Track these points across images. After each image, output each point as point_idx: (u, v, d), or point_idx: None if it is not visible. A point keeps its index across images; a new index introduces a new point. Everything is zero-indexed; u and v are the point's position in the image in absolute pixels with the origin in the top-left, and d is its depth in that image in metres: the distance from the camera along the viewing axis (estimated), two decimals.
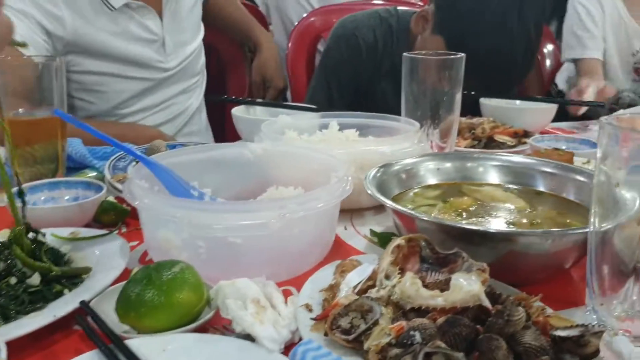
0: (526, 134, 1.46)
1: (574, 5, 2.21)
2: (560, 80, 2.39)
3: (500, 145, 1.41)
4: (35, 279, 0.74)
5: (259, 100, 1.79)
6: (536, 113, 1.63)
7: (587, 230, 0.67)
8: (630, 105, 2.16)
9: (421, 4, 2.75)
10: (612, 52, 2.18)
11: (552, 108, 1.62)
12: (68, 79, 1.55)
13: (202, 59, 1.86)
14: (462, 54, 1.19)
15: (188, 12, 1.74)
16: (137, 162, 1.00)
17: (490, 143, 1.42)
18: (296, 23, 2.36)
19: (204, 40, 1.87)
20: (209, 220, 0.72)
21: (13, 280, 0.74)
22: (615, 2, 2.16)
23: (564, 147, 1.32)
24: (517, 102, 1.69)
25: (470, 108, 1.69)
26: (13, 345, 0.63)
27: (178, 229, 0.74)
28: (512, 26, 1.46)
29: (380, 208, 1.05)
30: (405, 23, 1.75)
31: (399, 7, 1.86)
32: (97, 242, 0.87)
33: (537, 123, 1.60)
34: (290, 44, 2.29)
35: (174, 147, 1.31)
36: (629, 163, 0.62)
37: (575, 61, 2.20)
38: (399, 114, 1.24)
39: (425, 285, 0.65)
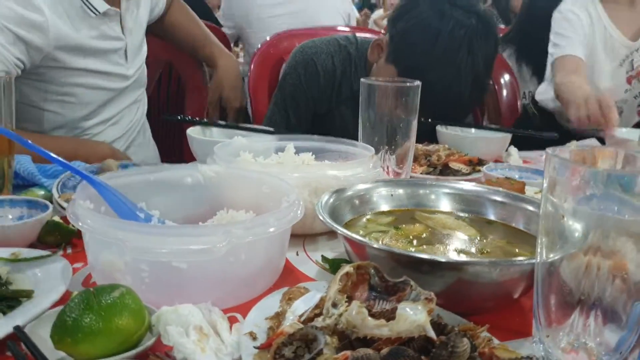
0: (480, 162, 1.47)
1: (559, 15, 2.14)
2: (545, 99, 2.33)
3: (455, 173, 1.42)
4: None
5: (216, 121, 1.78)
6: (490, 142, 1.65)
7: (533, 261, 0.67)
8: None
9: (384, 32, 2.79)
10: (600, 65, 2.13)
11: (506, 137, 1.65)
12: (40, 90, 1.54)
13: (146, 71, 1.86)
14: (418, 82, 1.21)
15: (142, 20, 1.75)
16: None
17: (445, 170, 1.43)
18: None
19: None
20: (152, 244, 0.70)
21: None
22: (600, 15, 2.11)
23: (516, 177, 1.34)
24: (473, 130, 1.71)
25: (428, 135, 1.71)
26: None
27: (121, 252, 0.72)
28: (461, 61, 1.49)
29: (333, 233, 1.04)
30: (364, 50, 1.78)
31: (359, 35, 1.88)
32: (39, 264, 0.84)
33: (492, 151, 1.63)
34: (252, 67, 2.29)
35: (126, 166, 1.28)
36: (575, 194, 0.62)
37: (555, 60, 2.08)
38: (357, 139, 1.25)
39: (372, 315, 0.64)
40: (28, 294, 0.76)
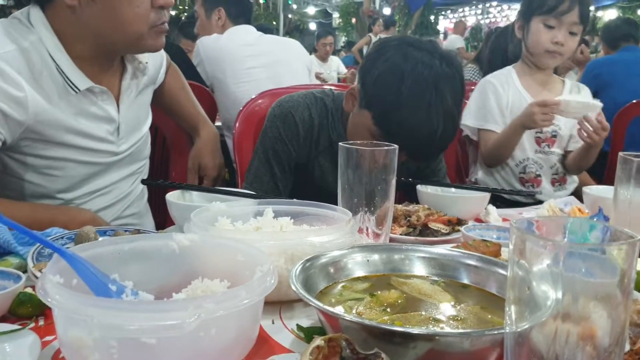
0: (459, 222, 1.48)
1: (482, 86, 2.43)
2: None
3: (435, 233, 1.43)
4: None
5: (196, 185, 1.79)
6: (469, 201, 1.66)
7: (503, 331, 0.68)
8: (537, 176, 2.33)
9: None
10: None
11: (485, 196, 1.66)
12: (22, 162, 1.53)
13: (149, 145, 1.86)
14: (396, 146, 1.23)
15: (142, 98, 1.76)
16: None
17: (424, 230, 1.44)
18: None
19: (152, 122, 1.88)
20: (121, 320, 0.70)
21: None
22: (518, 89, 2.38)
23: (494, 237, 1.35)
24: (452, 189, 1.73)
25: (410, 194, 1.72)
26: None
27: (89, 328, 0.71)
28: (430, 99, 1.54)
29: None
30: (340, 102, 1.84)
31: (335, 89, 1.95)
32: (8, 338, 0.83)
33: (471, 210, 1.64)
34: (237, 124, 2.31)
35: (104, 232, 1.28)
36: (541, 263, 0.63)
37: (479, 131, 2.38)
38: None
39: None
40: None
